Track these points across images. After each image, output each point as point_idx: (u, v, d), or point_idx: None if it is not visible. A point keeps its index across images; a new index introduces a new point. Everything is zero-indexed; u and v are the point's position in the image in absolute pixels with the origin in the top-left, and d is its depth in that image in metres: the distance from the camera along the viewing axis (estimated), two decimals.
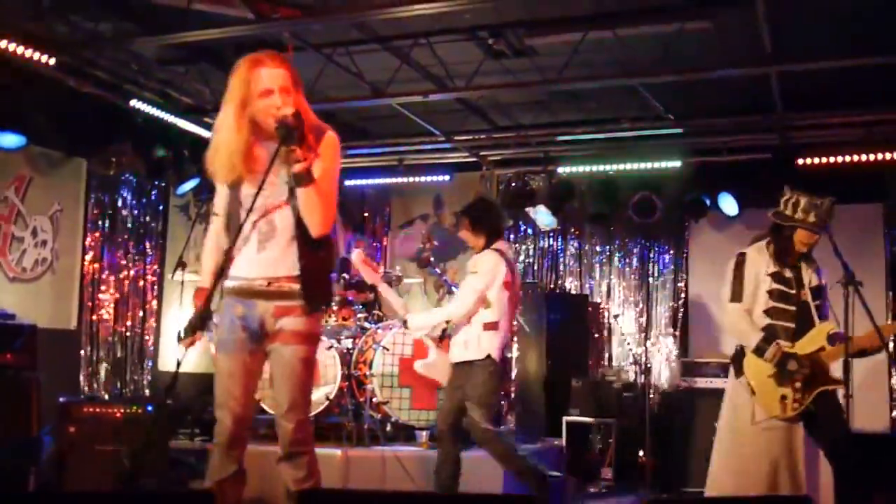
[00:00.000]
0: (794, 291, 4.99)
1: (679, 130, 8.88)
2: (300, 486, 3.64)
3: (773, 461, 4.92)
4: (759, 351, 4.92)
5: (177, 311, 8.56)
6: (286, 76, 3.64)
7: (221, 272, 3.57)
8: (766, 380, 4.91)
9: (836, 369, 4.86)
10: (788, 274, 5.01)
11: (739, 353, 5.09)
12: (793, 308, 4.97)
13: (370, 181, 10.47)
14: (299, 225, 3.62)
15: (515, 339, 9.88)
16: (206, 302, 3.64)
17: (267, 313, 3.65)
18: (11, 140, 7.22)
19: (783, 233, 5.03)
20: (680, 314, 9.69)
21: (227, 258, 3.54)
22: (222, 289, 3.68)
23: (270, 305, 3.64)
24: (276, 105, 3.55)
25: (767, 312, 5.00)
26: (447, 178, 10.11)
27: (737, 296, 5.06)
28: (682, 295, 9.71)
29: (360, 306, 7.54)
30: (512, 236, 10.42)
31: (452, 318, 5.77)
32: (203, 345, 3.86)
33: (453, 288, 7.92)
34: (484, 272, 5.57)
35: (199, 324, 3.52)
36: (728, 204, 9.04)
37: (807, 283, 5.00)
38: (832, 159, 8.39)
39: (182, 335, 3.58)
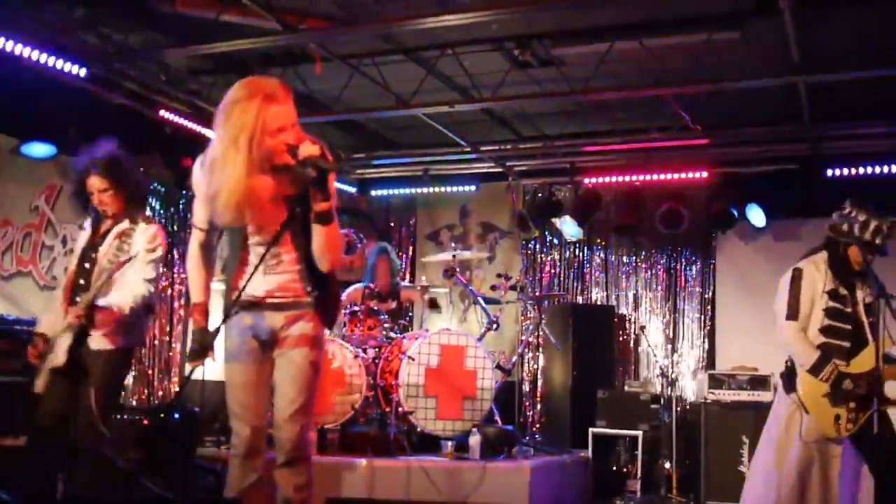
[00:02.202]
0: (849, 309, 4.89)
1: (706, 141, 8.84)
2: (301, 494, 3.61)
3: (811, 477, 4.86)
4: (815, 370, 4.81)
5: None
6: (293, 111, 3.53)
7: (233, 292, 3.61)
8: (820, 399, 4.82)
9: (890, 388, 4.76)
10: (843, 291, 4.90)
11: (790, 370, 4.99)
12: (848, 327, 4.87)
13: (396, 191, 10.50)
14: (305, 255, 3.60)
15: (541, 350, 9.89)
16: (206, 317, 3.69)
17: (277, 323, 3.64)
18: (42, 150, 7.30)
19: (839, 249, 4.92)
20: (707, 326, 9.63)
21: (233, 281, 3.61)
22: (227, 302, 3.67)
23: (280, 315, 3.64)
24: (290, 143, 3.44)
25: (823, 331, 4.89)
26: (473, 188, 10.13)
27: (793, 313, 4.92)
28: (710, 306, 9.65)
29: (386, 316, 7.55)
30: (538, 246, 10.41)
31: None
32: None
33: (479, 298, 7.93)
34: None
35: (210, 344, 3.56)
36: (756, 215, 8.98)
37: (860, 300, 4.91)
38: (861, 170, 8.32)
39: (191, 356, 3.62)
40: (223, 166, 3.44)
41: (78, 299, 4.63)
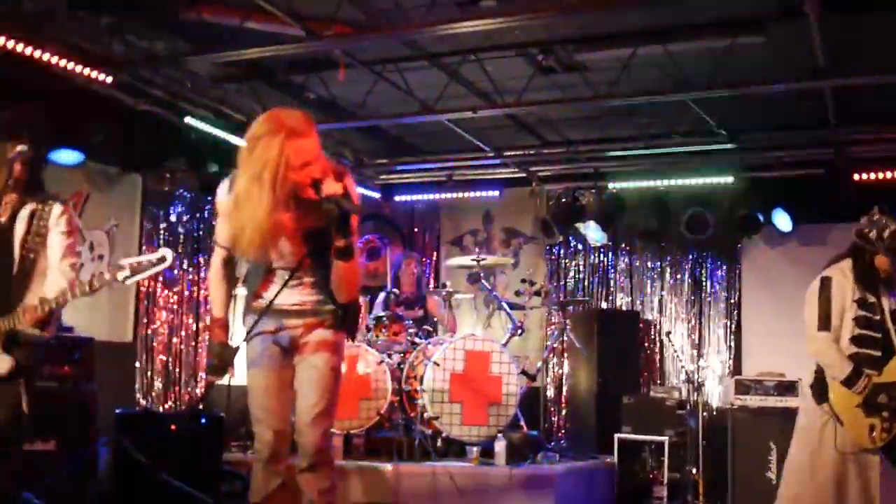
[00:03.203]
0: (878, 318, 4.78)
1: (731, 145, 8.80)
2: (325, 499, 3.63)
3: (848, 487, 4.74)
4: (849, 382, 4.71)
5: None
6: (316, 143, 3.50)
7: (255, 301, 3.63)
8: (853, 409, 4.73)
9: None
10: (871, 299, 4.80)
11: (820, 380, 4.86)
12: (878, 335, 4.77)
13: (420, 197, 10.51)
14: (325, 283, 3.64)
15: (566, 355, 9.87)
16: (227, 331, 3.74)
17: (297, 329, 3.68)
18: (70, 156, 7.37)
19: (865, 256, 4.82)
20: (733, 331, 9.58)
21: (255, 298, 3.65)
22: (247, 310, 3.71)
23: (301, 322, 3.68)
24: (314, 178, 3.44)
25: (854, 340, 4.77)
26: (497, 193, 10.12)
27: (825, 324, 4.79)
28: (735, 311, 9.60)
29: (411, 321, 7.57)
30: (562, 252, 10.40)
31: None
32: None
33: (504, 303, 7.93)
34: None
35: (230, 359, 3.59)
36: (782, 220, 8.91)
37: (886, 308, 4.81)
38: (889, 174, 8.25)
39: (210, 370, 3.66)
40: (247, 203, 3.44)
41: None
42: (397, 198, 10.44)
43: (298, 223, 3.56)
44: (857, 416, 4.73)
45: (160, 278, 8.94)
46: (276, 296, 3.57)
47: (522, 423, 7.34)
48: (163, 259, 3.73)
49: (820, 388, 4.86)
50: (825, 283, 4.85)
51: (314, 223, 3.54)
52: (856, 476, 4.75)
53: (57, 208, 4.15)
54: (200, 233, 9.45)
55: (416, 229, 11.07)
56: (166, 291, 9.04)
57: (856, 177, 8.36)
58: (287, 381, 3.71)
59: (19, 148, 4.06)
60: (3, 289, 4.05)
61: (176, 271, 9.14)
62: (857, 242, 4.88)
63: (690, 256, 9.86)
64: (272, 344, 3.68)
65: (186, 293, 9.27)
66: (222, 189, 3.66)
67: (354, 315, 3.88)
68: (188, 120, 7.93)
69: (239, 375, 5.12)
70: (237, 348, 3.57)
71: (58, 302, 3.91)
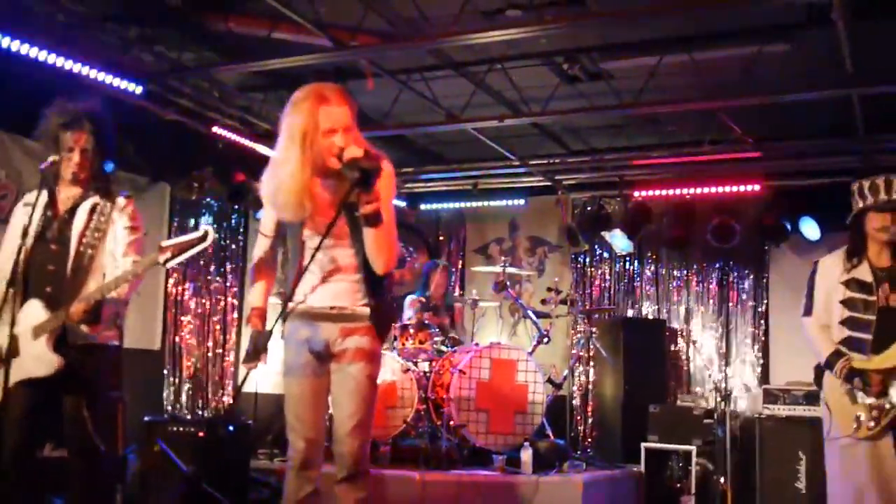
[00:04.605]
0: (873, 298, 4.50)
1: (758, 154, 8.76)
2: None
3: (858, 482, 4.42)
4: (829, 366, 4.53)
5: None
6: (349, 114, 3.61)
7: (290, 296, 3.62)
8: (840, 397, 4.52)
9: None
10: (868, 278, 4.54)
11: (821, 368, 4.68)
12: (871, 317, 4.47)
13: (445, 205, 10.53)
14: (363, 260, 3.63)
15: (592, 363, 9.84)
16: (264, 321, 3.77)
17: (332, 335, 3.67)
18: None
19: (861, 232, 4.60)
20: (760, 340, 9.52)
21: (290, 287, 3.61)
22: (284, 312, 3.70)
23: (336, 327, 3.67)
24: (338, 146, 3.51)
25: (844, 323, 4.55)
26: (522, 202, 10.14)
27: (808, 309, 4.69)
28: (763, 321, 9.54)
29: (437, 329, 7.58)
30: (587, 260, 10.38)
31: None
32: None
33: (529, 311, 7.93)
34: None
35: (264, 345, 3.61)
36: (810, 228, 8.85)
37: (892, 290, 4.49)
38: None
39: (246, 358, 3.67)
40: (284, 164, 3.58)
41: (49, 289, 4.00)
42: (423, 206, 10.46)
43: (332, 195, 3.60)
44: (844, 405, 4.49)
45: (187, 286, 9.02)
46: (307, 263, 3.55)
47: (549, 431, 7.32)
48: (204, 236, 3.75)
49: (818, 378, 4.71)
50: (814, 269, 4.76)
51: (344, 195, 3.54)
52: (868, 464, 4.41)
53: (121, 200, 4.15)
54: (227, 241, 9.52)
55: (441, 238, 11.09)
56: (194, 299, 9.11)
57: None
58: (322, 389, 3.72)
59: (82, 138, 4.06)
60: (56, 283, 4.01)
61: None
62: (852, 222, 4.68)
63: (717, 265, 9.80)
64: (307, 351, 3.69)
65: (213, 301, 9.34)
66: (265, 176, 3.73)
67: (390, 318, 3.88)
68: (216, 129, 8.00)
69: (265, 383, 5.16)
70: (270, 333, 3.57)
71: (102, 293, 3.88)
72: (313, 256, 3.49)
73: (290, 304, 3.65)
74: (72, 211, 4.08)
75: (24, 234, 3.88)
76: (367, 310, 3.66)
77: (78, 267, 4.01)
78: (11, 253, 3.93)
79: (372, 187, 3.41)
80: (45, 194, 4.05)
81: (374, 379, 3.71)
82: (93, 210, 4.08)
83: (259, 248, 3.88)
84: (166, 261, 3.77)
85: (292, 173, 3.54)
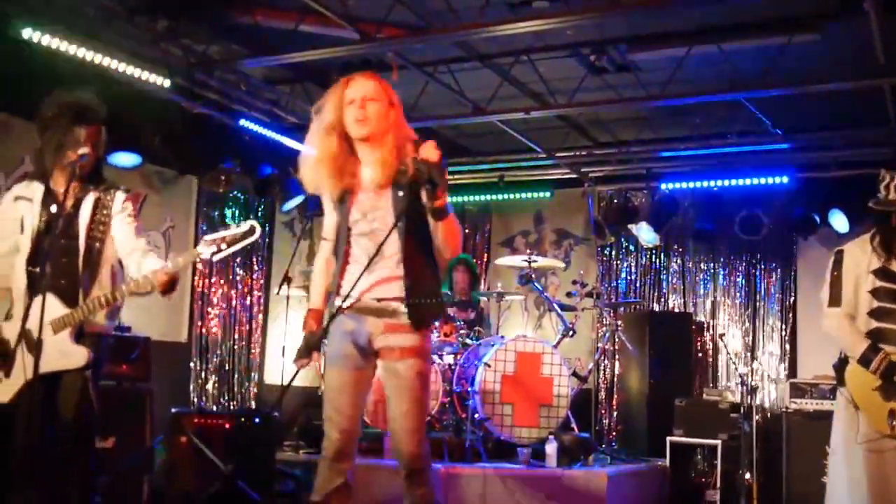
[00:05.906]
0: None
1: (786, 145, 8.68)
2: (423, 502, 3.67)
3: (886, 485, 4.31)
4: (865, 361, 4.37)
5: (282, 326, 8.75)
6: (374, 87, 3.71)
7: (337, 290, 3.67)
8: (870, 393, 4.37)
9: None
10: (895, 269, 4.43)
11: (842, 362, 4.55)
12: None
13: (471, 198, 10.52)
14: (406, 248, 3.66)
15: (617, 357, 9.81)
16: (320, 323, 3.77)
17: (376, 330, 3.69)
18: (128, 159, 7.51)
19: (889, 221, 4.48)
20: (788, 333, 9.45)
21: (337, 280, 3.66)
22: (333, 310, 3.71)
23: (380, 322, 3.68)
24: (357, 118, 3.64)
25: (872, 314, 4.44)
26: (548, 194, 10.09)
27: (835, 299, 4.53)
28: (791, 314, 9.46)
29: (462, 322, 7.57)
30: (613, 253, 10.34)
31: None
32: None
33: (555, 304, 7.91)
34: None
35: (316, 344, 3.64)
36: (838, 220, 8.76)
37: None
38: None
39: (298, 356, 3.68)
40: (315, 146, 3.75)
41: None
42: (449, 199, 10.44)
43: (377, 177, 3.66)
44: (875, 400, 4.35)
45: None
46: (350, 245, 3.67)
47: (573, 424, 7.31)
48: (252, 230, 3.77)
49: (840, 372, 4.54)
50: (837, 257, 4.59)
51: (396, 180, 3.63)
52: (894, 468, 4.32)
53: (120, 195, 4.20)
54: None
55: (466, 230, 11.08)
56: (220, 292, 9.16)
57: None
58: (362, 382, 3.74)
59: (94, 133, 4.09)
60: (70, 276, 4.03)
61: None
62: (877, 211, 4.56)
63: (744, 258, 9.73)
64: (350, 343, 3.71)
65: (240, 293, 9.39)
66: (304, 164, 3.83)
67: (436, 312, 3.88)
68: (242, 122, 8.03)
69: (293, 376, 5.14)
70: (322, 334, 3.61)
71: (176, 268, 3.96)
72: (372, 260, 3.55)
73: (338, 303, 3.66)
74: (76, 205, 4.09)
75: (23, 228, 3.95)
76: (409, 305, 3.66)
77: (89, 260, 4.06)
78: (9, 247, 4.05)
79: (438, 187, 3.51)
80: (40, 187, 4.09)
81: (423, 375, 3.71)
82: (96, 204, 4.12)
83: (321, 253, 3.93)
84: (213, 254, 3.80)
85: (324, 151, 3.70)
